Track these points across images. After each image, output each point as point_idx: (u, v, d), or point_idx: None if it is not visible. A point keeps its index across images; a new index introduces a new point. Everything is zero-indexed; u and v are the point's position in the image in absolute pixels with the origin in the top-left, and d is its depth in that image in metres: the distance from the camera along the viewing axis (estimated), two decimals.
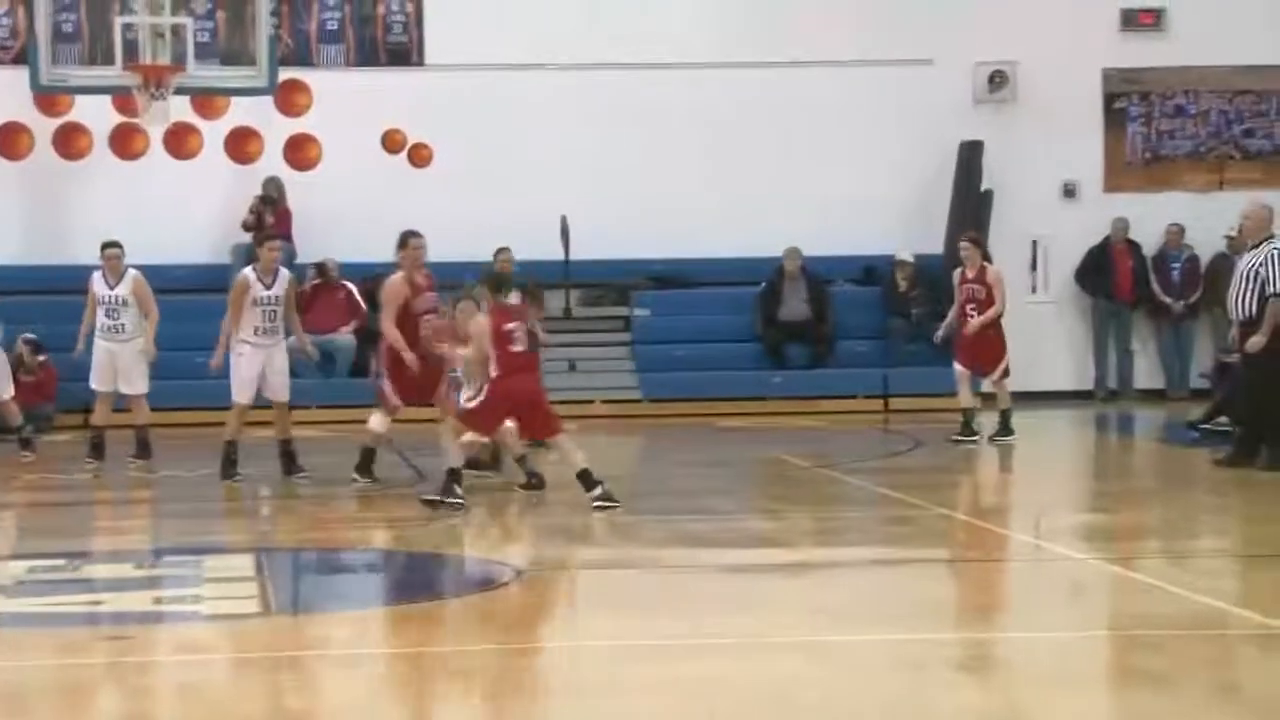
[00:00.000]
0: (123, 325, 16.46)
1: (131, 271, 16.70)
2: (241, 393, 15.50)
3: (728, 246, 22.83)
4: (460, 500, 13.29)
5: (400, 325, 14.81)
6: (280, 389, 15.61)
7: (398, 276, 15.07)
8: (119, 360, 16.47)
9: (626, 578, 10.89)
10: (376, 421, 15.06)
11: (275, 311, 15.57)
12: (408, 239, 15.16)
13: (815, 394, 22.10)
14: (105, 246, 16.95)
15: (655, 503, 14.35)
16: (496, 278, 14.58)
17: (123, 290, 16.54)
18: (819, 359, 22.69)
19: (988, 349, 17.90)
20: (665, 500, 14.44)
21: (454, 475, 13.45)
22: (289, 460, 15.52)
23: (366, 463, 15.05)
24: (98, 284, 16.66)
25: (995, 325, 17.92)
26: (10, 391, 17.43)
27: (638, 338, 23.02)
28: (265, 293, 15.53)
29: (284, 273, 15.85)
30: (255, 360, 15.47)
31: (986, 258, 18.48)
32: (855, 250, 23.15)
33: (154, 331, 16.56)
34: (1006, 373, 18.05)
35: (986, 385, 18.54)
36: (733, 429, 20.43)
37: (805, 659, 8.54)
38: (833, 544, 12.47)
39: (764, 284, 22.89)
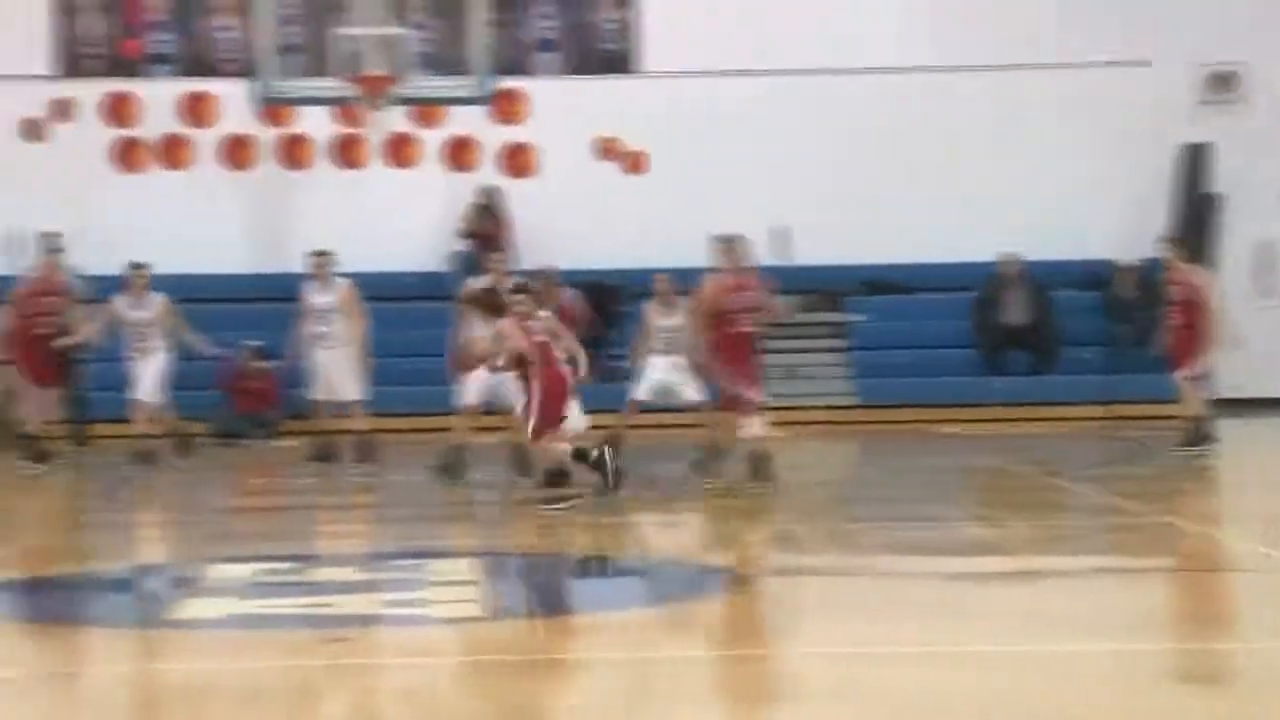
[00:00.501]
0: (332, 333, 16.64)
1: (340, 280, 16.94)
2: (470, 397, 15.64)
3: (944, 251, 22.64)
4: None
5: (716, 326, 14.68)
6: (510, 396, 15.67)
7: (727, 278, 14.98)
8: (330, 368, 16.71)
9: (845, 584, 10.83)
10: (755, 426, 14.81)
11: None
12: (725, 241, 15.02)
13: (1036, 400, 21.81)
14: (314, 255, 17.21)
15: (872, 509, 14.27)
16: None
17: (332, 298, 16.77)
18: (1040, 365, 22.40)
19: (1181, 345, 17.36)
20: (882, 507, 14.35)
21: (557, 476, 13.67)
22: (445, 469, 15.55)
23: (709, 463, 14.95)
24: (309, 292, 16.94)
25: (1195, 325, 17.31)
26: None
27: (854, 344, 22.91)
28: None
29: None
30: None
31: (1189, 260, 17.96)
32: (1076, 255, 22.82)
33: (361, 339, 16.76)
34: (1202, 376, 17.45)
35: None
36: (951, 436, 20.25)
37: (1024, 668, 8.42)
38: (1054, 552, 12.29)
39: (982, 289, 22.67)
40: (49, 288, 17.77)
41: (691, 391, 15.96)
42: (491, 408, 15.78)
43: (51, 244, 18.70)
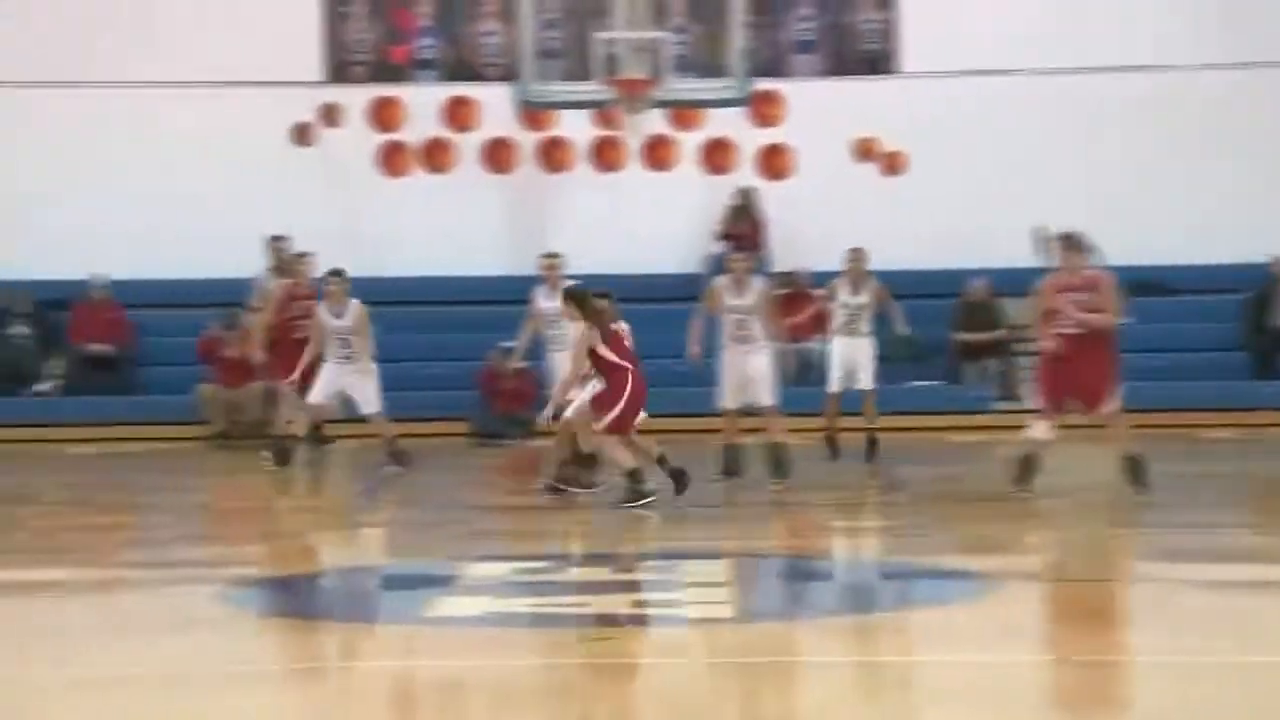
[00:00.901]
0: (558, 336, 16.47)
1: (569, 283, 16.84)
2: (727, 397, 15.66)
3: (1209, 252, 22.12)
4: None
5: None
6: (758, 394, 15.68)
7: (1063, 277, 14.68)
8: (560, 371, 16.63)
9: (1104, 591, 10.63)
10: (1040, 429, 14.60)
11: (744, 320, 15.63)
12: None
13: None
14: (545, 257, 17.20)
15: (1137, 515, 13.98)
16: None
17: (558, 304, 16.64)
18: None
19: None
20: (1145, 513, 14.04)
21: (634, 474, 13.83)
22: (777, 465, 15.46)
23: (1027, 473, 14.35)
24: (538, 296, 16.89)
25: None
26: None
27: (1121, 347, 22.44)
28: (735, 301, 15.66)
29: (756, 281, 15.96)
30: (732, 365, 15.65)
31: None
32: None
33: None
34: None
35: None
36: (1218, 440, 19.77)
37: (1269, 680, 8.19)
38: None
39: (1253, 291, 22.10)
40: (303, 292, 18.13)
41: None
42: (748, 409, 15.78)
43: (283, 248, 19.13)
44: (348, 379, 16.77)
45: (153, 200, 22.47)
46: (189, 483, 16.91)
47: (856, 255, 17.39)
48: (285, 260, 18.70)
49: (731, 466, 15.65)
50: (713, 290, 15.93)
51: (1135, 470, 14.10)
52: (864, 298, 17.12)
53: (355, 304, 16.97)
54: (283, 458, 17.02)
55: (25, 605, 10.45)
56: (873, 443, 17.04)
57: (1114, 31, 22.72)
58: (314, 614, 10.61)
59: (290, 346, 17.71)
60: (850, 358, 17.09)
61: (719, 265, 22.02)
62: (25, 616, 10.11)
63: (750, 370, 15.63)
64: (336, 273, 17.13)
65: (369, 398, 16.82)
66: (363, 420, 17.10)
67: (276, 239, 19.54)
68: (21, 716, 7.66)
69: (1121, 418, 14.05)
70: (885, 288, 17.37)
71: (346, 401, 17.07)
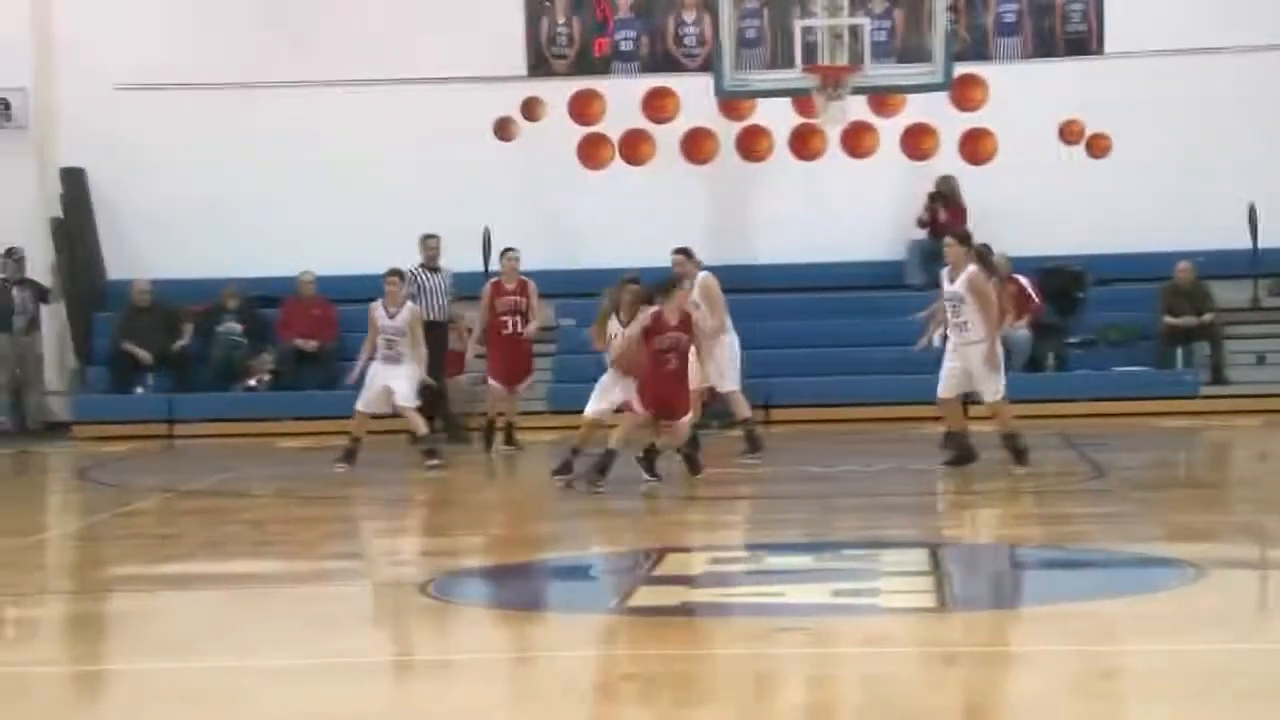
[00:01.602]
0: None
1: (703, 274, 16.70)
2: (945, 390, 15.49)
3: None
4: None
5: None
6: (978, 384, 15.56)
7: None
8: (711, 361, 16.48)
9: None
10: None
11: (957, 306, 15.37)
12: None
13: None
14: (675, 252, 16.98)
15: None
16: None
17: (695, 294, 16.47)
18: None
19: None
20: None
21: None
22: (1015, 452, 15.29)
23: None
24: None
25: None
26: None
27: None
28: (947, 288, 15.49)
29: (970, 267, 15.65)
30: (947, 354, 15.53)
31: None
32: None
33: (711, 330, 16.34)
34: None
35: None
36: None
37: None
38: None
39: None
40: (508, 288, 18.33)
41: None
42: (970, 396, 15.56)
43: (434, 245, 19.29)
44: (390, 379, 16.84)
45: (359, 197, 22.82)
46: (393, 475, 17.15)
47: (951, 242, 16.31)
48: (508, 259, 18.66)
49: (963, 454, 15.45)
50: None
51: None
52: (959, 288, 16.26)
53: (410, 306, 17.17)
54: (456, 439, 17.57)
55: (235, 597, 10.67)
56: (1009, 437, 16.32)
57: None
58: (513, 604, 10.71)
59: (500, 343, 17.98)
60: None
61: (923, 252, 21.92)
62: (234, 608, 10.34)
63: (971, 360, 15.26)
64: (394, 272, 17.32)
65: (405, 391, 16.89)
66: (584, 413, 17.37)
67: (429, 237, 19.73)
68: (232, 704, 7.83)
69: None
70: (979, 277, 16.52)
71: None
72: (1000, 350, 15.18)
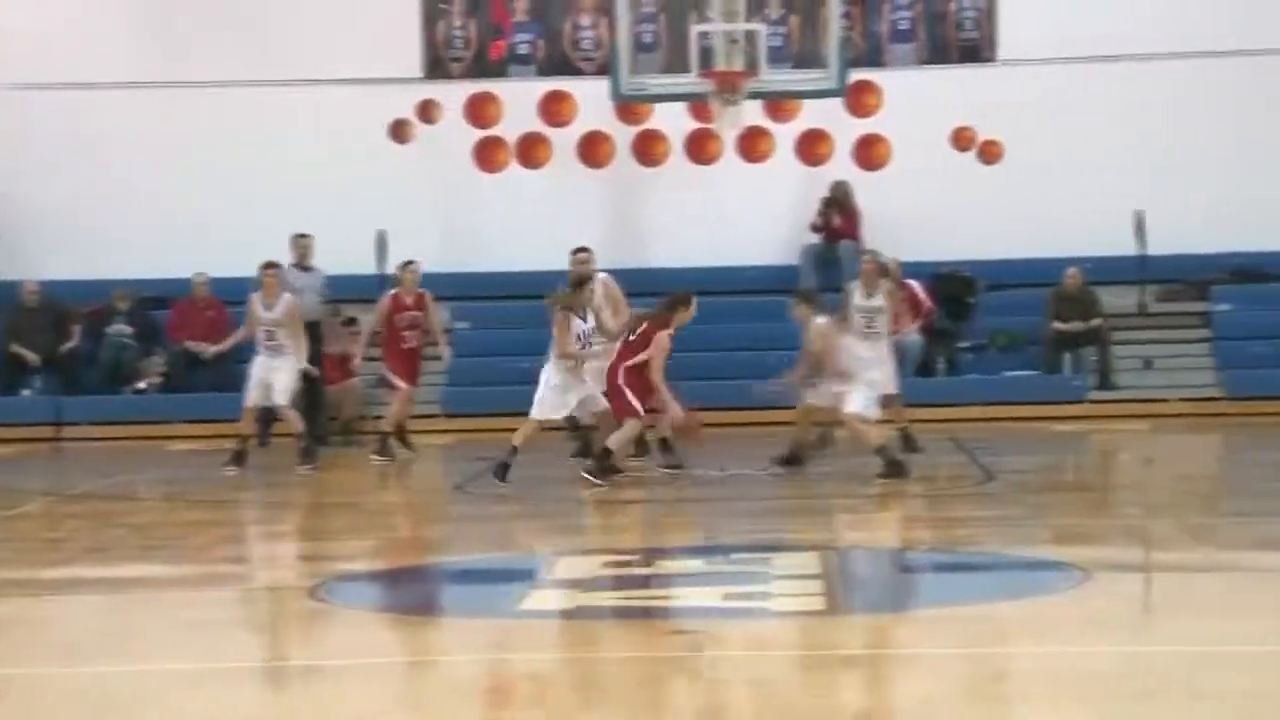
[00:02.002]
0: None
1: (603, 274, 16.83)
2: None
3: None
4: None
5: None
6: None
7: None
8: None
9: (1201, 581, 10.54)
10: None
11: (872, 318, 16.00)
12: None
13: None
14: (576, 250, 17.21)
15: (1234, 504, 13.87)
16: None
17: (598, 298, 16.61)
18: None
19: None
20: (1245, 502, 13.93)
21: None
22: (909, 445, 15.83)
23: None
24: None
25: None
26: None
27: (1219, 334, 22.26)
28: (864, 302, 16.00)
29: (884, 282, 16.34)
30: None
31: None
32: None
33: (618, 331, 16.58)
34: None
35: None
36: None
37: None
38: None
39: None
40: (408, 301, 18.13)
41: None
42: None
43: (301, 245, 19.27)
44: (271, 373, 16.94)
45: (253, 199, 22.69)
46: (284, 479, 17.06)
47: (869, 259, 17.28)
48: (409, 271, 18.48)
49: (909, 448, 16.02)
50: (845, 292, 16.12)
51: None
52: (879, 301, 16.80)
53: (287, 298, 17.22)
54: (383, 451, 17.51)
55: (122, 601, 10.58)
56: (908, 438, 16.68)
57: (1210, 16, 22.47)
58: (406, 608, 10.69)
59: (400, 355, 17.81)
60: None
61: (816, 257, 22.07)
62: (122, 612, 10.25)
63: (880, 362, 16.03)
64: (270, 265, 17.40)
65: (282, 388, 16.97)
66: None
67: (300, 236, 19.65)
68: (122, 710, 7.77)
69: None
70: (895, 290, 17.13)
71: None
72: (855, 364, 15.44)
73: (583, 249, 17.14)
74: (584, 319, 15.50)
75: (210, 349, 18.88)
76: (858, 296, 16.57)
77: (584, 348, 15.46)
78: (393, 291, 18.07)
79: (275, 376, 16.94)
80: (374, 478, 17.27)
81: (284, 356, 17.06)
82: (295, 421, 17.15)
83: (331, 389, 20.30)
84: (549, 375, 15.53)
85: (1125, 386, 21.49)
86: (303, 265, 19.65)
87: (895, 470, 14.76)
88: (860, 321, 16.30)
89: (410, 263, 18.27)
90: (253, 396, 17.05)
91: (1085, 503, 14.40)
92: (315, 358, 18.39)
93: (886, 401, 16.07)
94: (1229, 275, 22.61)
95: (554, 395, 15.46)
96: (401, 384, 17.77)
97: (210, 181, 22.88)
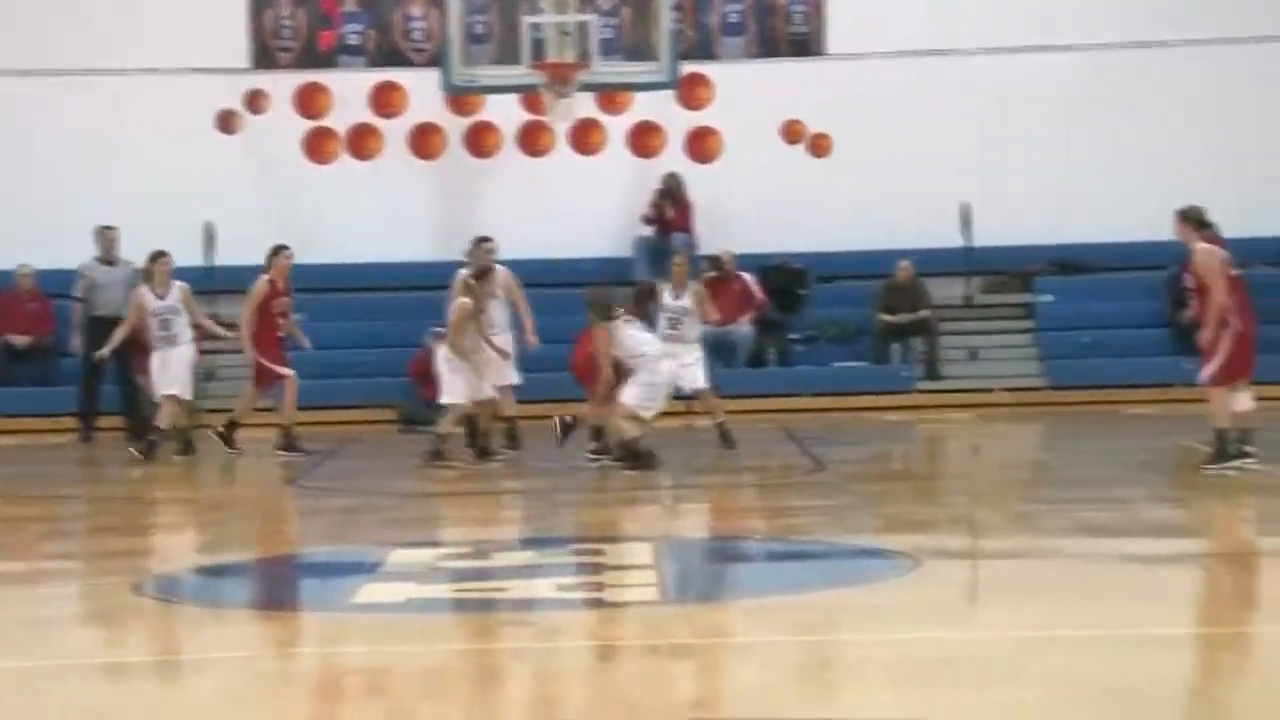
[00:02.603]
0: (494, 321, 16.57)
1: (501, 267, 16.90)
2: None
3: (1133, 230, 22.24)
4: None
5: None
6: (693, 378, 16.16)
7: None
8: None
9: (1025, 567, 10.74)
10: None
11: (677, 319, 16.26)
12: None
13: None
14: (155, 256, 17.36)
15: (1057, 491, 14.13)
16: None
17: (497, 288, 16.71)
18: None
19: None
20: (1067, 489, 14.20)
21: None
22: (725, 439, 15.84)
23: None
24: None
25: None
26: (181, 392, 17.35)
27: (1041, 324, 22.65)
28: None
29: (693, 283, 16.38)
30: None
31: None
32: (1268, 231, 22.31)
33: (529, 320, 16.90)
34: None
35: None
36: (1140, 416, 19.96)
37: (1212, 652, 8.31)
38: (1242, 534, 12.10)
39: (1175, 267, 22.26)
40: (281, 289, 17.85)
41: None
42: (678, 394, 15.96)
43: (112, 237, 19.05)
44: (169, 363, 16.96)
45: (79, 190, 22.31)
46: (110, 474, 16.86)
47: (680, 261, 17.45)
48: (284, 257, 18.05)
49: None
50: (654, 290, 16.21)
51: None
52: (686, 301, 16.95)
53: (179, 284, 17.20)
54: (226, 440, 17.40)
55: None
56: (724, 434, 16.79)
57: (1035, 12, 22.84)
58: (238, 603, 10.61)
59: (276, 344, 17.50)
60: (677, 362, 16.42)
61: (648, 249, 22.15)
62: None
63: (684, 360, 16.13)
64: (160, 254, 17.35)
65: (177, 378, 17.01)
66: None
67: (105, 229, 19.43)
68: None
69: None
70: (703, 291, 17.29)
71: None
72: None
73: (486, 239, 17.17)
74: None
75: (101, 352, 18.46)
76: (667, 296, 16.64)
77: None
78: (267, 278, 17.63)
79: (171, 366, 16.87)
80: (212, 472, 17.08)
81: (180, 346, 16.97)
82: (168, 416, 17.00)
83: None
84: (448, 361, 15.74)
85: (952, 377, 21.81)
86: (107, 259, 19.38)
87: (639, 463, 14.94)
88: (665, 322, 16.36)
89: (283, 248, 17.88)
90: (164, 386, 17.01)
91: (913, 491, 14.60)
92: (123, 352, 18.17)
93: (699, 395, 16.43)
94: (1052, 267, 23.01)
95: (459, 377, 15.68)
96: (285, 370, 17.44)
97: (33, 173, 22.50)
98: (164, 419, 17.12)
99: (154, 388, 17.12)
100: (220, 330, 17.83)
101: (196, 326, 17.34)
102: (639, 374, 15.11)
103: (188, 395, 17.18)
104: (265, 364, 17.26)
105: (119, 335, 17.59)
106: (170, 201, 21.81)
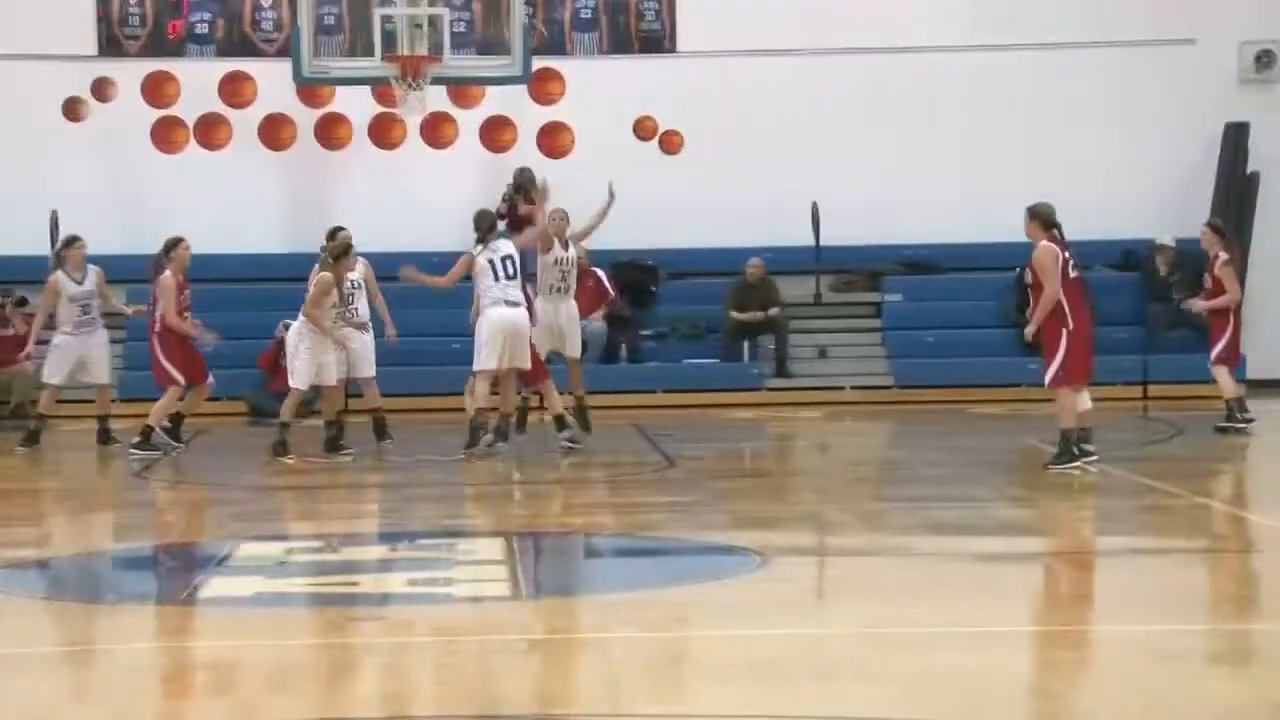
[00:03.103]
0: (356, 310, 16.55)
1: (360, 259, 16.81)
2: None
3: (980, 231, 22.50)
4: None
5: None
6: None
7: None
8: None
9: (873, 565, 10.83)
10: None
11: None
12: None
13: None
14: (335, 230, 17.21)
15: (904, 490, 14.26)
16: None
17: (356, 276, 16.64)
18: None
19: (1212, 333, 17.45)
20: (914, 487, 14.34)
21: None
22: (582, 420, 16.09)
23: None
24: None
25: (1223, 313, 17.32)
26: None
27: (888, 324, 22.85)
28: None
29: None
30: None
31: (1226, 245, 17.74)
32: (1112, 235, 22.68)
33: (387, 315, 16.85)
34: (1228, 361, 17.36)
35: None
36: (986, 416, 20.20)
37: (1055, 649, 8.43)
38: (1086, 532, 12.28)
39: (1020, 268, 22.54)
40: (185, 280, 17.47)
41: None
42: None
43: None
44: (90, 349, 16.79)
45: None
46: None
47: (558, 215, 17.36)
48: (180, 249, 17.58)
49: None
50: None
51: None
52: (573, 252, 17.27)
53: (94, 268, 17.04)
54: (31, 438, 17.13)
55: None
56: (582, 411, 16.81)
57: (888, 12, 23.02)
58: (81, 596, 10.47)
59: (181, 343, 16.85)
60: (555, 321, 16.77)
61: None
62: None
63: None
64: (75, 239, 17.24)
65: (103, 365, 16.97)
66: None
67: None
68: None
69: None
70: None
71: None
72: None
73: (340, 228, 17.09)
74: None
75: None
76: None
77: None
78: (167, 273, 16.86)
79: (94, 354, 16.73)
80: (51, 463, 16.85)
81: (99, 331, 16.91)
82: (105, 403, 17.05)
83: (2, 372, 19.76)
84: (299, 339, 15.77)
85: (801, 375, 21.94)
86: None
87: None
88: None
89: (180, 240, 17.17)
90: (63, 375, 16.84)
91: (763, 489, 14.67)
92: None
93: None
94: (900, 267, 23.22)
95: (302, 363, 15.69)
96: (177, 377, 16.64)
97: None
98: (45, 405, 17.00)
99: (59, 375, 16.86)
100: (128, 310, 17.66)
101: (112, 312, 17.20)
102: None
103: (105, 379, 17.09)
104: (164, 364, 16.69)
105: (38, 323, 17.45)
106: (15, 189, 21.48)
